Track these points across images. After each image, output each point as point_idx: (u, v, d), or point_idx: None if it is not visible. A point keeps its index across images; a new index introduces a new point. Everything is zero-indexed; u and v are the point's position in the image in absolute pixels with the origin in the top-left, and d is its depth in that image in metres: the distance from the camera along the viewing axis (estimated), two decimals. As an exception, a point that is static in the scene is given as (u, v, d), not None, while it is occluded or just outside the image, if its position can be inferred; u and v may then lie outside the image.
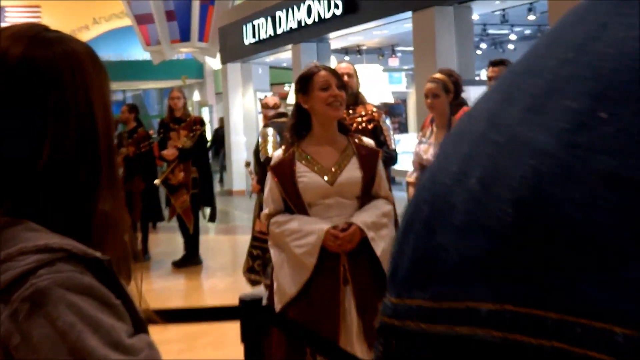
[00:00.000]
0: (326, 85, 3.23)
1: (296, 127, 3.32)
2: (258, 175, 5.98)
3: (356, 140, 3.33)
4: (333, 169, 3.25)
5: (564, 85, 0.38)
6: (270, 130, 5.94)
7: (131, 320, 1.08)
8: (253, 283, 6.30)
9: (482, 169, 0.38)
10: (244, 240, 10.81)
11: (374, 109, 4.94)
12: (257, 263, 6.08)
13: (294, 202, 3.23)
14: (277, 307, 3.19)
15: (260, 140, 6.00)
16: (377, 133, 4.76)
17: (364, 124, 4.82)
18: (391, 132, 4.93)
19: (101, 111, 1.11)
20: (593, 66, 0.37)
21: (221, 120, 18.22)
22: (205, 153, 8.45)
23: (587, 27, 0.39)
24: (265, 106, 6.46)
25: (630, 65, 0.36)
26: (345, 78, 5.06)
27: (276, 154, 3.40)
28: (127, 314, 1.07)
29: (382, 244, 3.19)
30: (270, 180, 3.31)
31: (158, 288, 7.31)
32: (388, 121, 4.95)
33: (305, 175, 3.23)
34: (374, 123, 4.83)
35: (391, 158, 4.78)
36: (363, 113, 4.89)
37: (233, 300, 6.64)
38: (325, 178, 3.23)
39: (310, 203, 3.23)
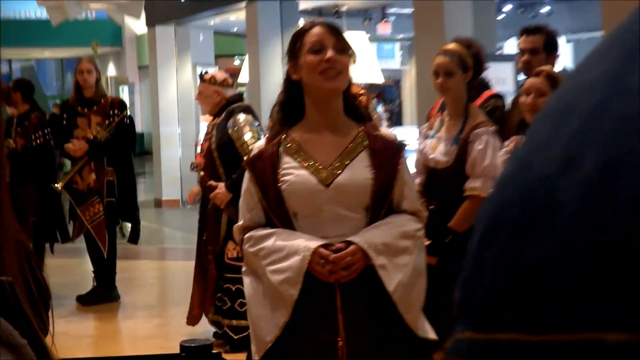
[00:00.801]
0: (318, 46, 3.18)
1: (285, 107, 3.30)
2: (225, 181, 6.09)
3: (371, 129, 3.30)
4: (330, 166, 3.19)
5: None
6: (251, 118, 6.09)
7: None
8: (220, 328, 6.43)
9: (602, 151, 0.38)
10: (178, 268, 10.85)
11: (361, 91, 4.97)
12: (238, 302, 6.12)
13: (274, 210, 3.17)
14: (254, 358, 3.16)
15: (237, 130, 6.12)
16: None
17: None
18: (384, 122, 4.96)
19: None
20: None
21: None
22: (127, 148, 8.39)
23: None
24: (211, 81, 6.46)
25: None
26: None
27: (257, 144, 3.38)
28: (35, 357, 1.04)
29: (397, 276, 3.14)
30: (246, 180, 3.28)
31: (57, 333, 7.12)
32: (380, 108, 4.97)
33: (292, 173, 3.18)
34: None
35: None
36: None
37: (160, 351, 6.61)
38: (318, 178, 3.17)
39: (297, 213, 3.16)
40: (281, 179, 3.17)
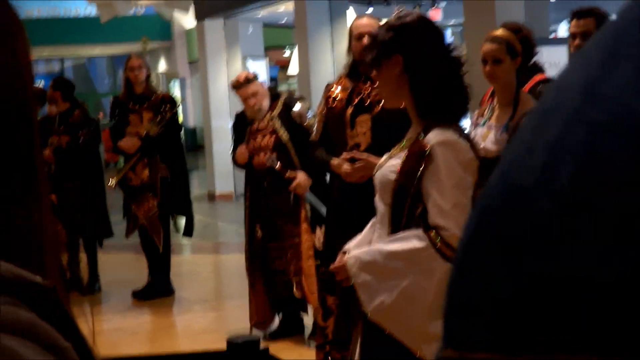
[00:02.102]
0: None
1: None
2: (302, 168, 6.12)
3: (425, 130, 3.31)
4: (385, 157, 3.37)
5: None
6: (307, 104, 6.17)
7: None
8: None
9: (575, 161, 0.39)
10: (232, 261, 10.88)
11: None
12: None
13: None
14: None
15: (304, 118, 6.20)
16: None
17: None
18: None
19: (13, 76, 1.07)
20: None
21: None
22: (178, 143, 8.47)
23: None
24: (257, 78, 6.56)
25: None
26: (365, 40, 5.09)
27: None
28: (80, 362, 1.05)
29: (380, 297, 3.19)
30: None
31: (111, 329, 7.34)
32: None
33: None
34: None
35: None
36: None
37: (216, 345, 6.68)
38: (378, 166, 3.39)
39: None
40: None
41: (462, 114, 3.47)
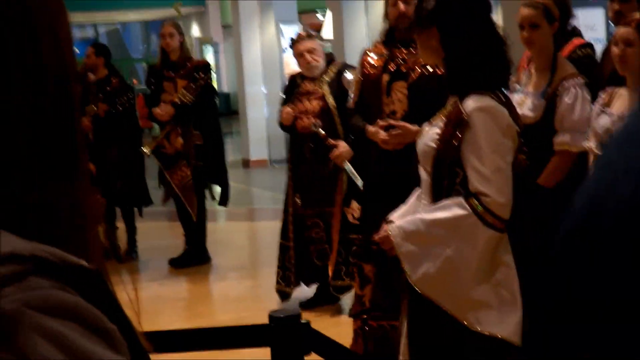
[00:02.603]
0: None
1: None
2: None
3: (464, 98, 3.32)
4: (426, 126, 3.39)
5: None
6: None
7: (130, 350, 1.08)
8: (341, 292, 6.43)
9: None
10: (268, 228, 10.90)
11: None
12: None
13: None
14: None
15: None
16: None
17: (429, 67, 4.83)
18: None
19: (53, 53, 1.07)
20: None
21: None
22: (213, 111, 8.47)
23: None
24: (319, 37, 6.53)
25: None
26: (401, 6, 5.06)
27: None
28: (125, 343, 1.07)
29: (425, 266, 3.21)
30: None
31: (150, 296, 7.39)
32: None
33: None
34: None
35: None
36: None
37: (253, 312, 6.67)
38: (420, 135, 3.41)
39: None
40: None
41: (502, 84, 3.47)
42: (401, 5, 5.09)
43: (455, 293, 3.25)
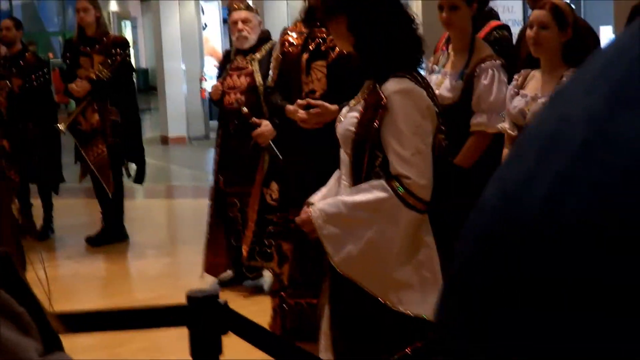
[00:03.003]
0: None
1: None
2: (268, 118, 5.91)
3: (383, 82, 3.34)
4: (344, 109, 3.39)
5: None
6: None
7: (40, 332, 1.07)
8: (253, 272, 6.40)
9: (582, 200, 0.40)
10: (186, 205, 10.88)
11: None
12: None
13: None
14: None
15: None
16: None
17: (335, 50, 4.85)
18: None
19: None
20: None
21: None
22: (130, 87, 8.38)
23: None
24: (255, 10, 6.47)
25: None
26: None
27: None
28: (35, 325, 1.06)
29: (345, 248, 3.27)
30: None
31: (66, 275, 7.31)
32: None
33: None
34: None
35: None
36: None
37: (171, 290, 6.63)
38: (341, 115, 3.40)
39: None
40: None
41: (416, 64, 3.49)
42: None
43: (378, 274, 3.28)
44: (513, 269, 0.42)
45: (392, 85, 3.27)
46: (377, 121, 3.24)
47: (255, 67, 6.24)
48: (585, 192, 0.40)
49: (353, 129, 3.30)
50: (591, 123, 0.41)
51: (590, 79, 0.43)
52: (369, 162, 3.28)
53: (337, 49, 4.94)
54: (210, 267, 6.61)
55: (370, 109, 3.28)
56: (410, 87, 3.28)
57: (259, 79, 6.18)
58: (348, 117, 3.36)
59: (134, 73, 8.67)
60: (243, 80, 6.27)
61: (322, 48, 5.09)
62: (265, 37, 6.45)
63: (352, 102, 3.45)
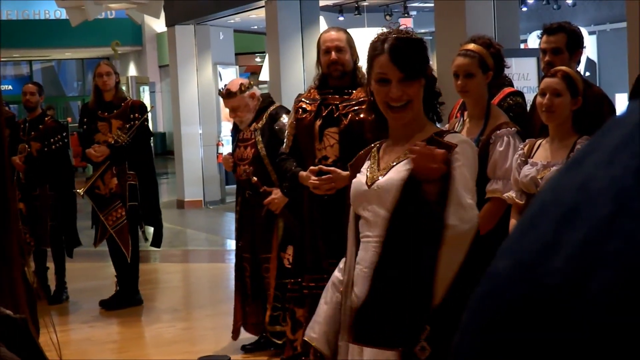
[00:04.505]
0: (383, 77, 3.26)
1: (376, 124, 3.42)
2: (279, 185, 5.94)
3: (438, 134, 3.32)
4: (382, 169, 3.32)
5: None
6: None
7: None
8: (282, 337, 6.17)
9: (609, 273, 0.39)
10: (202, 270, 10.85)
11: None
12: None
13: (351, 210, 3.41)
14: None
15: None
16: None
17: (360, 114, 4.85)
18: None
19: None
20: None
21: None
22: (148, 152, 8.43)
23: None
24: (242, 89, 6.38)
25: None
26: (333, 55, 5.14)
27: None
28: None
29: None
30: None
31: (80, 339, 7.29)
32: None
33: (358, 175, 3.37)
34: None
35: None
36: (361, 98, 4.92)
37: (186, 356, 6.60)
38: (367, 178, 3.32)
39: (357, 213, 3.35)
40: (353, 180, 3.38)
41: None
42: (333, 54, 5.17)
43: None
44: (533, 342, 0.41)
45: (455, 137, 3.30)
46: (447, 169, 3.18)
47: (258, 137, 6.26)
48: (612, 265, 0.40)
49: (401, 182, 3.22)
50: (618, 195, 0.41)
51: (612, 150, 0.43)
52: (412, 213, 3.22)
53: (349, 116, 4.99)
54: (249, 327, 6.54)
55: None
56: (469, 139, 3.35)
57: (262, 149, 6.19)
58: (396, 171, 3.31)
59: (151, 137, 8.72)
60: (249, 151, 6.31)
61: (335, 115, 5.13)
62: (265, 104, 6.43)
63: (390, 162, 3.38)
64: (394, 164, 3.28)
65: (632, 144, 0.42)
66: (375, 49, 3.32)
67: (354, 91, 5.19)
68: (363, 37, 8.98)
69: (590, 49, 15.08)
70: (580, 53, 5.37)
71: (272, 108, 6.37)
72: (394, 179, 3.22)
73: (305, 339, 3.44)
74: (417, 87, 3.28)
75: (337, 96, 5.18)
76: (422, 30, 17.71)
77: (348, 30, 5.65)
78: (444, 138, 3.27)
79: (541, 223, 0.44)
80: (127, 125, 8.02)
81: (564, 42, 5.22)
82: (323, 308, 3.43)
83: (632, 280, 0.38)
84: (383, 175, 3.29)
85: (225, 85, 6.56)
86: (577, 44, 5.30)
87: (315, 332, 3.40)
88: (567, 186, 0.44)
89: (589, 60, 15.14)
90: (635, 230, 0.39)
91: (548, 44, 5.27)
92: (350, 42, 5.30)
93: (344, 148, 4.99)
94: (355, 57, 5.28)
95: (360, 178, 3.35)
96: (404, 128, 3.33)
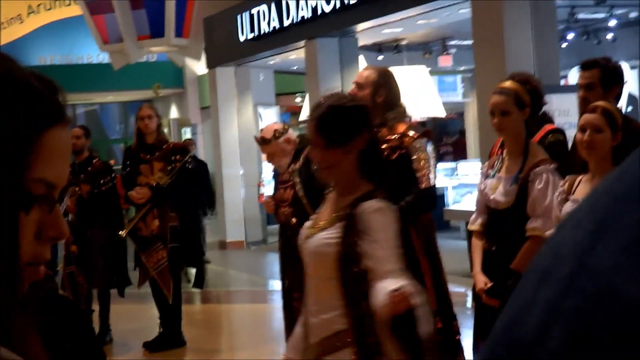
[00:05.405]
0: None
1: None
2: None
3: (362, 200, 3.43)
4: (320, 221, 3.52)
5: None
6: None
7: None
8: None
9: (568, 327, 0.44)
10: (244, 310, 10.86)
11: (410, 132, 4.97)
12: None
13: None
14: None
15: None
16: (402, 166, 4.80)
17: (386, 153, 4.86)
18: (431, 161, 4.95)
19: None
20: None
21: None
22: (190, 193, 8.49)
23: None
24: (276, 135, 6.44)
25: None
26: (353, 87, 5.18)
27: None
28: None
29: None
30: None
31: (125, 381, 7.31)
32: (429, 147, 4.97)
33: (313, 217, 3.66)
34: (399, 151, 4.87)
35: (421, 203, 4.88)
36: (391, 137, 4.93)
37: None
38: (307, 232, 3.55)
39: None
40: None
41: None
42: (351, 90, 5.21)
43: None
44: None
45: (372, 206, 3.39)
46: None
47: (296, 178, 6.31)
48: (569, 320, 0.43)
49: (332, 247, 3.44)
50: (575, 255, 0.45)
51: (581, 215, 0.47)
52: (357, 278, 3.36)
53: (388, 152, 5.00)
54: None
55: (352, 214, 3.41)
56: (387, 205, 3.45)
57: (299, 190, 6.24)
58: (322, 236, 3.50)
59: (196, 177, 8.77)
60: (289, 193, 6.35)
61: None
62: (303, 145, 6.49)
63: (322, 222, 3.54)
64: (326, 227, 3.47)
65: (593, 212, 0.46)
66: (311, 113, 3.52)
67: (383, 129, 5.19)
68: (403, 75, 9.04)
69: (632, 83, 14.98)
70: (617, 88, 5.35)
71: (307, 149, 6.40)
72: (324, 242, 3.42)
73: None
74: (341, 154, 3.40)
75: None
76: (462, 68, 17.73)
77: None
78: (357, 209, 3.37)
79: (526, 284, 0.49)
80: (169, 168, 8.10)
81: (597, 78, 5.21)
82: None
83: (583, 333, 0.42)
84: (317, 231, 3.49)
85: (260, 131, 6.64)
86: (612, 80, 5.28)
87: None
88: (546, 250, 0.48)
89: (630, 95, 15.04)
90: (588, 288, 0.42)
91: (583, 79, 5.27)
92: (378, 80, 5.24)
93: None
94: (382, 96, 5.19)
95: (306, 224, 3.63)
96: (338, 185, 3.51)
